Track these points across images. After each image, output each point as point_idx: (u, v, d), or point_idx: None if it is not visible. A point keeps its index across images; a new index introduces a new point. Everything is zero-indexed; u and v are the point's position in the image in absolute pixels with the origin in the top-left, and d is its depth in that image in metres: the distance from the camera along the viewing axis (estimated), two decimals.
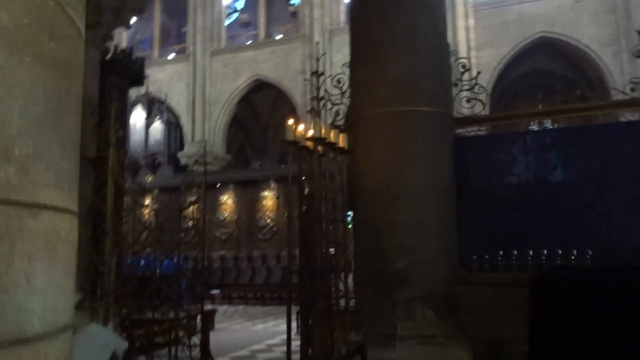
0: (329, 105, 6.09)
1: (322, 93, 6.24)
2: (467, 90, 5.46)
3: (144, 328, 6.56)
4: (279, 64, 20.18)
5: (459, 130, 5.55)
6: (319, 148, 4.64)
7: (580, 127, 5.10)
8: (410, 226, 4.92)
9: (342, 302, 5.56)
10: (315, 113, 6.05)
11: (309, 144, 4.39)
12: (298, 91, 19.78)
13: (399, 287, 4.87)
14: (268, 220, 18.01)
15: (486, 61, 16.70)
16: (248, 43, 21.78)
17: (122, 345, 6.18)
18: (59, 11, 0.95)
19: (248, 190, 18.73)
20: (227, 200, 18.41)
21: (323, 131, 4.34)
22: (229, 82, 20.70)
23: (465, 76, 5.52)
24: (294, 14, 22.21)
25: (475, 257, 5.14)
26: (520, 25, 16.84)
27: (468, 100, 5.48)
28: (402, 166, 5.01)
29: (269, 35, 21.89)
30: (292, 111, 24.63)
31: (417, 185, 4.98)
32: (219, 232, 18.26)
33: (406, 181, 4.98)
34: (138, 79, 8.34)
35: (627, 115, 5.11)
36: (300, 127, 4.35)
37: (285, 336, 8.62)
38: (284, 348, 8.41)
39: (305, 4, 20.06)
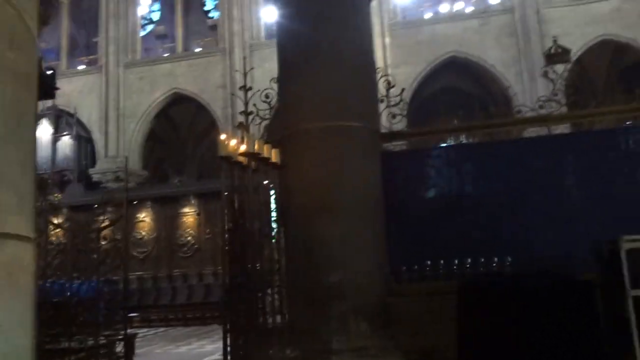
0: (258, 120, 6.07)
1: (250, 108, 6.22)
2: (393, 106, 5.66)
3: (59, 359, 6.11)
4: (198, 77, 19.79)
5: (384, 145, 5.72)
6: (252, 163, 4.60)
7: (496, 141, 5.44)
8: (343, 240, 4.97)
9: (276, 319, 5.50)
10: (244, 128, 6.01)
11: (242, 159, 4.33)
12: (218, 105, 19.49)
13: (333, 301, 4.89)
14: (189, 238, 17.45)
15: (402, 78, 17.34)
16: (165, 55, 21.17)
17: None
18: (17, 19, 0.85)
19: (167, 207, 18.07)
20: (145, 217, 17.64)
21: (256, 146, 4.29)
22: (145, 95, 19.96)
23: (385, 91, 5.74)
24: (213, 27, 21.94)
25: (404, 268, 5.29)
26: (433, 45, 17.78)
27: (394, 116, 5.66)
28: (334, 181, 5.06)
29: (187, 48, 21.45)
30: (212, 125, 24.19)
31: (349, 200, 5.05)
32: (137, 251, 17.40)
33: (338, 196, 5.03)
34: (48, 91, 7.81)
35: (537, 131, 5.53)
36: (233, 142, 4.28)
37: (208, 358, 8.37)
38: None
39: (225, 18, 19.89)
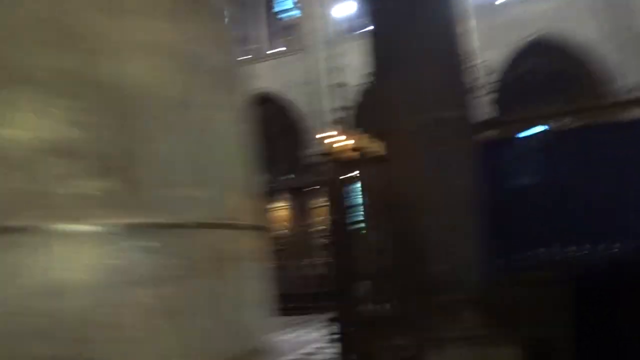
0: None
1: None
2: (487, 94, 5.60)
3: None
4: (280, 76, 20.37)
5: (479, 134, 5.68)
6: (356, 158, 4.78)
7: (598, 124, 5.25)
8: (449, 231, 5.04)
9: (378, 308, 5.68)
10: (345, 123, 6.22)
11: (349, 153, 4.54)
12: (304, 102, 19.95)
13: (441, 291, 4.98)
14: (285, 230, 18.21)
15: (488, 64, 16.89)
16: (246, 57, 21.97)
17: None
18: None
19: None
20: None
21: (363, 142, 4.47)
22: None
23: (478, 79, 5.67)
24: (286, 27, 22.41)
25: (504, 258, 5.26)
26: (520, 26, 17.04)
27: (488, 104, 5.61)
28: (437, 172, 5.14)
29: (265, 48, 22.08)
30: (294, 123, 24.79)
31: (453, 191, 5.11)
32: None
33: (442, 187, 5.10)
34: None
35: None
36: (340, 138, 4.49)
37: (316, 345, 8.71)
38: (319, 357, 8.48)
39: (305, 16, 20.30)
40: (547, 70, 18.22)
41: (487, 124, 5.55)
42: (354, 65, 19.50)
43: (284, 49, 21.75)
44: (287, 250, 17.77)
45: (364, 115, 6.02)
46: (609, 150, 5.04)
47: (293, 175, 20.63)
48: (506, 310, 5.03)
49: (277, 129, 25.46)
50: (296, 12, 21.95)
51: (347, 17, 20.62)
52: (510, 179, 5.39)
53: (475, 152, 5.34)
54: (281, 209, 19.42)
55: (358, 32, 20.65)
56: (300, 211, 18.77)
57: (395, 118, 5.47)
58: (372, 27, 5.92)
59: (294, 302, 14.77)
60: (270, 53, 21.50)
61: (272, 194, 19.09)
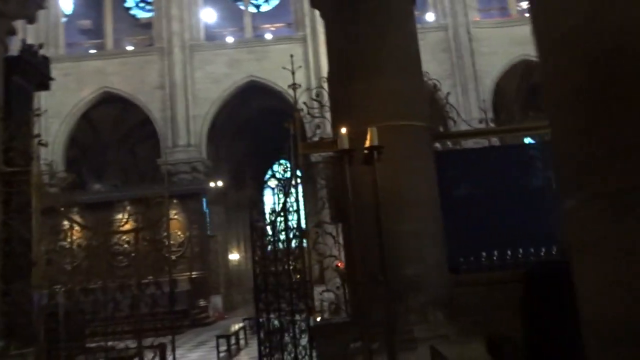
0: (308, 118, 6.10)
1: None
2: (439, 108, 6.01)
3: None
4: (132, 76, 18.76)
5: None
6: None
7: (540, 142, 6.01)
8: (417, 235, 5.19)
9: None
10: (297, 125, 6.02)
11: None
12: (156, 106, 18.60)
13: (411, 293, 5.08)
14: (125, 246, 16.45)
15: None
16: (93, 52, 19.79)
17: None
18: None
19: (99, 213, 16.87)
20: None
21: (369, 140, 4.39)
22: (70, 93, 18.47)
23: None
24: (146, 25, 20.93)
25: (462, 259, 5.63)
26: None
27: (442, 119, 6.01)
28: (405, 178, 5.27)
29: (117, 45, 20.21)
30: (140, 127, 22.97)
31: (420, 197, 5.30)
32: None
33: (410, 193, 5.25)
34: (44, 81, 7.13)
35: None
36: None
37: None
38: None
39: (162, 16, 19.09)
40: None
41: (442, 136, 5.91)
42: (216, 75, 19.04)
43: (134, 48, 20.12)
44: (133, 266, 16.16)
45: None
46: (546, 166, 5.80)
47: (142, 184, 18.98)
48: (469, 309, 5.37)
49: (112, 134, 23.29)
50: (150, 12, 20.56)
51: (206, 23, 20.07)
52: (464, 186, 5.81)
53: (432, 160, 5.65)
54: (123, 222, 17.62)
55: (219, 40, 20.24)
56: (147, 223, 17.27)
57: (362, 123, 5.49)
58: (339, 34, 5.88)
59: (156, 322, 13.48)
60: (118, 51, 19.68)
61: (110, 204, 17.26)
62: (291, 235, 6.01)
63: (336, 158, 5.77)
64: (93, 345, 5.86)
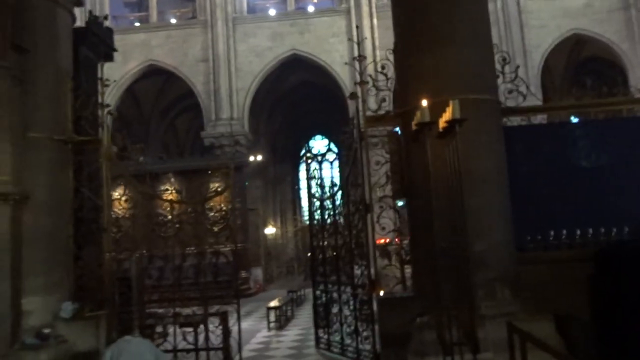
0: (374, 91, 6.03)
1: (355, 79, 6.13)
2: (510, 82, 5.84)
3: None
4: (176, 49, 18.90)
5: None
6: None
7: (611, 119, 5.79)
8: (486, 210, 5.12)
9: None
10: (360, 98, 5.95)
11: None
12: (200, 79, 18.74)
13: (479, 269, 5.03)
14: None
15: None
16: (138, 24, 19.97)
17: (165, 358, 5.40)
18: None
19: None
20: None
21: (449, 114, 4.30)
22: (116, 66, 18.65)
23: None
24: None
25: (529, 237, 5.53)
26: None
27: (510, 92, 5.84)
28: (475, 153, 5.16)
29: (161, 18, 20.33)
30: (180, 100, 23.24)
31: (489, 172, 5.20)
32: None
33: (479, 167, 5.15)
34: (109, 52, 7.24)
35: None
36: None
37: (266, 332, 8.24)
38: (281, 339, 8.04)
39: None
40: None
41: (509, 111, 5.75)
42: (259, 49, 19.01)
43: (177, 21, 20.21)
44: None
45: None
46: (619, 144, 5.59)
47: (182, 157, 19.29)
48: (536, 288, 5.30)
49: (153, 108, 23.62)
50: None
51: None
52: (532, 163, 5.67)
53: (502, 135, 5.52)
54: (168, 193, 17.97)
55: (261, 13, 20.14)
56: (191, 196, 17.59)
57: (435, 95, 5.38)
58: (406, 4, 5.75)
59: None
60: (162, 24, 19.80)
61: (156, 176, 17.58)
62: (354, 209, 6.01)
63: (403, 132, 5.71)
64: (161, 310, 6.07)
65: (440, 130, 4.65)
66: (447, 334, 4.34)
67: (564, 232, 5.50)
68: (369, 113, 5.93)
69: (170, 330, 5.82)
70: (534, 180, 5.68)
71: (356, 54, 18.05)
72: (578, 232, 5.47)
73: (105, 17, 7.29)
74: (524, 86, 5.83)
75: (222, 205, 18.40)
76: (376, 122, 5.89)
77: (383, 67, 5.95)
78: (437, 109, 5.26)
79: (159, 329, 5.93)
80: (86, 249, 6.07)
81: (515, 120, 6.09)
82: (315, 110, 27.70)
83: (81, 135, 6.14)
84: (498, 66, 5.79)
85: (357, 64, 6.11)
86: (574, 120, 6.17)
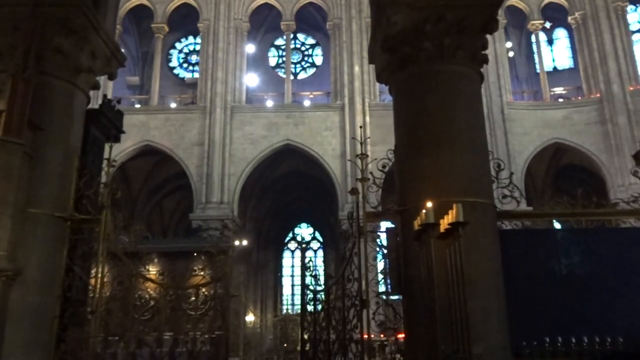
0: (374, 188, 6.23)
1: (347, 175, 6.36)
2: (504, 187, 6.10)
3: None
4: (173, 132, 19.40)
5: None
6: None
7: (597, 228, 6.02)
8: (484, 313, 5.14)
9: None
10: (360, 194, 6.13)
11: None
12: (193, 162, 19.08)
13: None
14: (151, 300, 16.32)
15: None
16: (139, 106, 20.63)
17: None
18: None
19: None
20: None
21: (452, 217, 4.46)
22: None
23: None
24: (190, 85, 21.89)
25: (524, 343, 5.52)
26: None
27: (504, 196, 6.08)
28: (474, 255, 5.27)
29: (162, 102, 21.06)
30: (170, 181, 23.46)
31: (487, 274, 5.29)
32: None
33: (478, 270, 5.24)
34: (117, 134, 7.45)
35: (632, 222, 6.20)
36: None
37: None
38: None
39: (207, 78, 19.98)
40: None
41: (504, 215, 5.96)
42: (254, 137, 19.61)
43: (177, 105, 20.94)
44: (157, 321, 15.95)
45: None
46: (607, 253, 5.78)
47: (172, 238, 19.12)
48: None
49: (142, 187, 23.75)
50: (193, 72, 21.55)
51: (248, 87, 20.92)
52: (526, 267, 5.78)
53: (497, 240, 5.68)
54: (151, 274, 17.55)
55: (259, 103, 20.99)
56: (176, 280, 17.19)
57: (429, 197, 5.58)
58: (408, 109, 6.12)
59: None
60: (162, 107, 20.48)
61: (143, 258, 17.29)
62: (349, 304, 5.98)
63: (400, 229, 5.84)
64: None
65: (442, 231, 4.80)
66: None
67: (560, 339, 5.49)
68: (368, 209, 6.09)
69: None
70: (529, 284, 5.76)
71: (348, 147, 18.76)
72: (574, 339, 5.48)
73: (119, 101, 7.56)
74: (517, 191, 6.08)
75: (204, 290, 18.00)
76: (375, 217, 6.04)
77: (384, 166, 6.20)
78: (438, 211, 5.47)
79: None
80: (70, 330, 5.86)
81: (507, 224, 6.28)
82: (302, 199, 28.09)
83: (81, 213, 6.16)
84: (492, 172, 6.09)
85: (358, 161, 6.36)
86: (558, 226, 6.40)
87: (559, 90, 21.63)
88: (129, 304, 6.46)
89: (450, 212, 4.48)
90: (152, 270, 16.34)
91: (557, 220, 6.53)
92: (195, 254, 18.28)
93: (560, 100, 20.77)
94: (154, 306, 7.09)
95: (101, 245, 5.95)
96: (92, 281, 6.18)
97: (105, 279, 6.44)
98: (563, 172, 22.38)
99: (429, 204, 4.45)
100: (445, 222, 4.57)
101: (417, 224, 4.74)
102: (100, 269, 5.88)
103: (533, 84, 22.86)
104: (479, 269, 5.26)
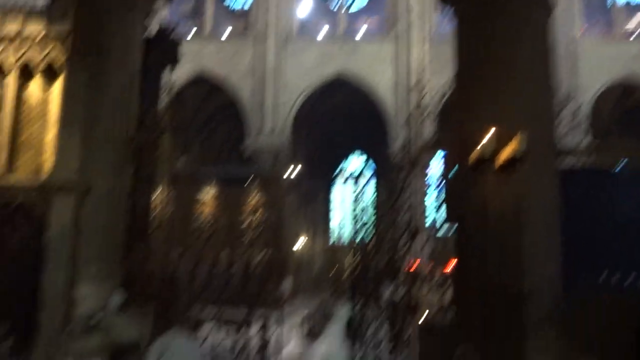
0: (429, 119, 6.13)
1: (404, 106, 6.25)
2: (567, 122, 5.86)
3: None
4: (226, 61, 19.43)
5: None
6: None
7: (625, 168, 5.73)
8: (536, 247, 5.12)
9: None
10: (415, 125, 6.04)
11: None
12: (246, 91, 19.20)
13: (525, 304, 5.02)
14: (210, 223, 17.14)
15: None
16: (191, 34, 20.64)
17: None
18: None
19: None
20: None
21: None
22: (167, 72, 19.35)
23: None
24: (242, 14, 21.61)
25: (578, 279, 5.48)
26: None
27: (567, 132, 5.86)
28: (531, 189, 5.19)
29: (215, 30, 20.97)
30: (222, 110, 23.80)
31: (543, 210, 5.20)
32: None
33: (535, 204, 5.16)
34: (173, 61, 7.57)
35: None
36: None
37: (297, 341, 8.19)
38: (312, 350, 8.05)
39: (259, 6, 19.64)
40: None
41: (564, 151, 5.76)
42: (307, 66, 19.40)
43: (230, 34, 20.81)
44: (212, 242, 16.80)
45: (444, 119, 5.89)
46: None
47: (225, 165, 19.68)
48: (581, 330, 5.24)
49: (195, 115, 24.21)
50: (245, 5, 21.32)
51: (302, 16, 20.45)
52: (587, 204, 5.64)
53: (556, 175, 5.53)
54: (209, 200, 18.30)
55: (311, 33, 20.58)
56: (230, 205, 17.90)
57: (486, 129, 5.44)
58: (470, 40, 5.85)
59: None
60: (215, 35, 20.41)
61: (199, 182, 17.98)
62: (400, 233, 6.08)
63: (458, 161, 5.77)
64: (205, 310, 6.22)
65: (501, 163, 4.72)
66: None
67: (615, 276, 5.43)
68: (423, 140, 6.03)
69: (213, 329, 5.96)
70: (585, 223, 5.64)
71: (402, 79, 18.29)
72: (630, 278, 5.40)
73: (174, 29, 7.61)
74: (579, 127, 5.82)
75: (257, 215, 18.73)
76: (430, 149, 5.97)
77: (441, 97, 6.05)
78: (498, 142, 5.35)
79: (202, 327, 6.08)
80: (137, 244, 6.29)
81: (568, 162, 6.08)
82: (354, 130, 27.90)
83: (143, 136, 6.42)
84: (557, 106, 5.83)
85: (414, 92, 6.22)
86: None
87: (631, 25, 19.90)
88: (187, 225, 6.83)
89: (511, 144, 4.37)
90: (207, 196, 17.13)
91: (620, 162, 6.24)
92: (248, 182, 18.95)
93: (633, 36, 19.17)
94: (210, 228, 7.45)
95: (162, 167, 6.23)
96: (155, 201, 6.55)
97: (166, 200, 6.81)
98: (630, 114, 21.06)
99: (490, 135, 4.34)
100: (505, 154, 4.48)
101: (475, 155, 4.66)
102: (161, 189, 6.19)
103: (604, 18, 21.13)
104: (536, 204, 5.19)
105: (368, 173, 29.60)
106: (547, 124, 5.47)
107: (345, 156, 32.41)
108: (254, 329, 6.11)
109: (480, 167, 4.82)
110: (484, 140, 4.58)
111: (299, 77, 19.19)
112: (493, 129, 5.16)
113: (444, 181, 5.76)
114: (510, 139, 4.84)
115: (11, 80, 5.69)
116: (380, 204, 6.63)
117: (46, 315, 5.26)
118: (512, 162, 4.50)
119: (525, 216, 5.12)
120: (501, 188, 4.82)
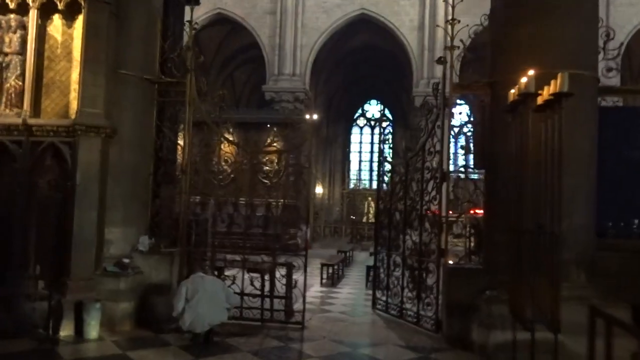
0: (462, 58, 5.86)
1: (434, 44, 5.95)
2: (610, 59, 5.53)
3: None
4: (244, 0, 18.83)
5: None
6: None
7: None
8: (571, 191, 4.96)
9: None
10: (449, 64, 5.79)
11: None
12: (265, 32, 18.69)
13: (559, 248, 4.92)
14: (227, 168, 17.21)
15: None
16: None
17: (236, 301, 5.63)
18: None
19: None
20: None
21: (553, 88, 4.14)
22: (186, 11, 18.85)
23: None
24: None
25: (610, 224, 5.35)
26: None
27: (609, 70, 5.55)
28: (571, 131, 4.96)
29: None
30: (242, 52, 23.34)
31: (578, 152, 5.00)
32: None
33: (573, 147, 4.97)
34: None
35: None
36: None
37: (319, 287, 8.36)
38: (334, 295, 8.21)
39: None
40: None
41: (605, 90, 5.48)
42: (328, 5, 18.71)
43: None
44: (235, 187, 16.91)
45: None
46: None
47: (245, 109, 19.51)
48: (611, 275, 5.16)
49: (215, 57, 23.80)
50: None
51: None
52: (623, 147, 5.42)
53: (596, 115, 5.29)
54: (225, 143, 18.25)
55: None
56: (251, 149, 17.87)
57: (523, 68, 5.17)
58: None
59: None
60: None
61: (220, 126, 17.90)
62: (428, 176, 5.95)
63: (490, 102, 5.54)
64: (229, 256, 6.28)
65: (540, 103, 4.49)
66: (526, 310, 4.29)
67: None
68: (455, 80, 5.78)
69: (239, 274, 6.03)
70: (622, 165, 5.45)
71: (427, 18, 17.54)
72: None
73: None
74: (618, 67, 5.50)
75: (277, 160, 18.70)
76: (463, 89, 5.74)
77: (475, 33, 5.75)
78: (537, 81, 5.08)
79: (228, 272, 6.17)
80: (164, 188, 6.29)
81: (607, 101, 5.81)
82: (374, 74, 27.26)
83: (167, 76, 6.27)
84: (600, 42, 5.50)
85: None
86: None
87: None
88: (213, 166, 6.77)
89: (552, 82, 4.12)
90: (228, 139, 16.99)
91: None
92: (268, 126, 18.75)
93: None
94: (233, 171, 7.40)
95: (188, 108, 6.11)
96: (180, 143, 6.48)
97: (189, 143, 6.72)
98: None
99: (531, 73, 4.10)
100: (546, 93, 4.24)
101: (514, 94, 4.44)
102: (187, 131, 6.10)
103: None
104: (575, 146, 4.96)
105: (388, 117, 29.21)
106: (590, 61, 5.19)
107: (364, 102, 31.91)
108: (277, 274, 6.16)
109: (518, 107, 4.60)
110: (523, 80, 4.33)
111: (319, 16, 18.56)
112: (532, 70, 4.91)
113: (476, 124, 5.56)
114: (549, 79, 4.58)
115: (33, 16, 5.51)
116: (407, 147, 6.47)
117: (76, 256, 5.34)
118: (552, 101, 4.26)
119: (563, 158, 4.93)
120: (538, 129, 4.60)
